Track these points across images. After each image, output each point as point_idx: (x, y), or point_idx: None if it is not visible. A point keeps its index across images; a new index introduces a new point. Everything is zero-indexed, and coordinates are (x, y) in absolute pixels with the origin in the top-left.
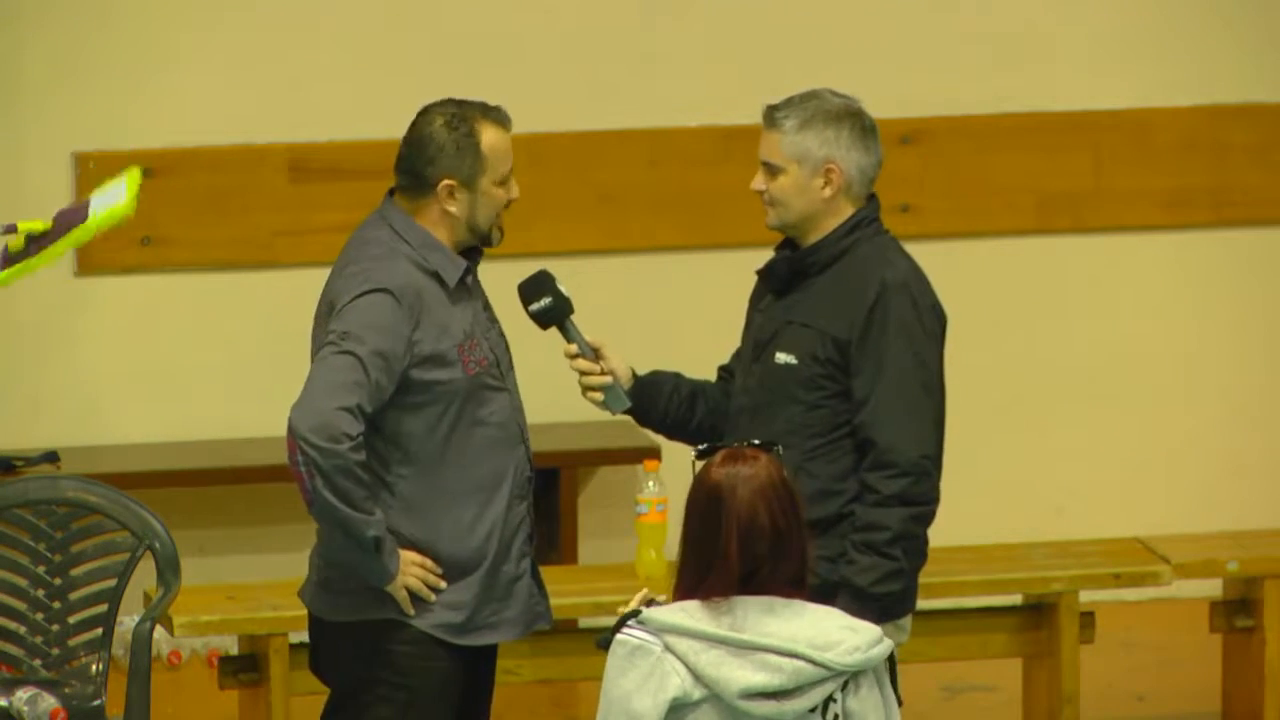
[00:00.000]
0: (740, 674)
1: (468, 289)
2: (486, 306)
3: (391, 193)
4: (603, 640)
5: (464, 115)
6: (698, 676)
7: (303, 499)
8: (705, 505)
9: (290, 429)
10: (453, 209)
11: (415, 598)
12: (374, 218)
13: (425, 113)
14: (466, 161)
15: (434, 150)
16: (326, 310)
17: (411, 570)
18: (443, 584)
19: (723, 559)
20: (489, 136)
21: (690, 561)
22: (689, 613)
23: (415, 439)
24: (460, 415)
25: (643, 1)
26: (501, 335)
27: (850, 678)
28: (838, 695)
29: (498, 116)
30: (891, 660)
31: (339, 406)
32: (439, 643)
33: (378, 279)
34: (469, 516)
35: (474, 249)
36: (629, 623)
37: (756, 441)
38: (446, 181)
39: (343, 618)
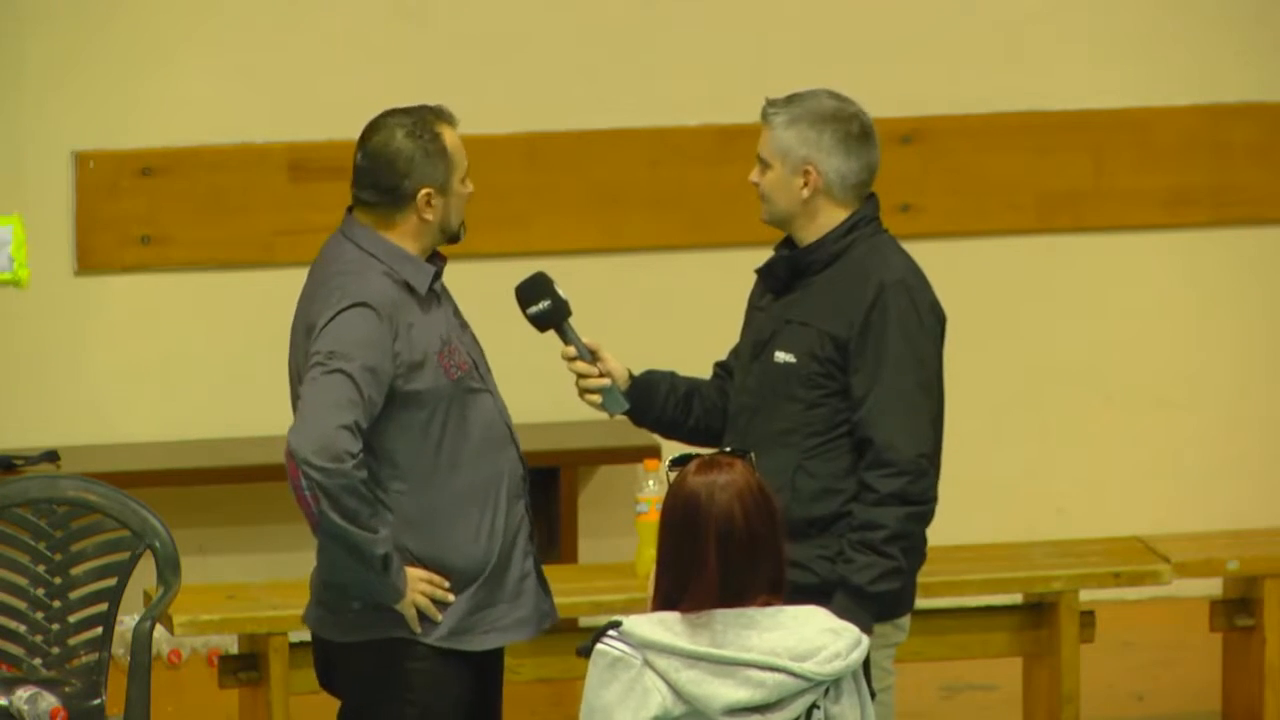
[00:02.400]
0: (722, 691)
1: (437, 295)
2: (456, 312)
3: (350, 209)
4: (583, 648)
5: (422, 122)
6: (679, 694)
7: (308, 523)
8: (682, 514)
9: (291, 453)
10: (430, 216)
11: (422, 614)
12: (335, 238)
13: (380, 127)
14: (439, 167)
15: (404, 162)
16: (304, 332)
17: (419, 586)
18: (450, 598)
19: (701, 566)
20: (449, 137)
21: (669, 570)
22: (668, 626)
23: (407, 451)
24: (449, 421)
25: (643, 1)
26: (474, 339)
27: (831, 684)
28: (820, 702)
29: (449, 116)
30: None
31: (339, 425)
32: (450, 656)
33: (354, 294)
34: (471, 522)
35: (436, 255)
36: (610, 633)
37: (729, 449)
38: (425, 190)
39: (350, 639)
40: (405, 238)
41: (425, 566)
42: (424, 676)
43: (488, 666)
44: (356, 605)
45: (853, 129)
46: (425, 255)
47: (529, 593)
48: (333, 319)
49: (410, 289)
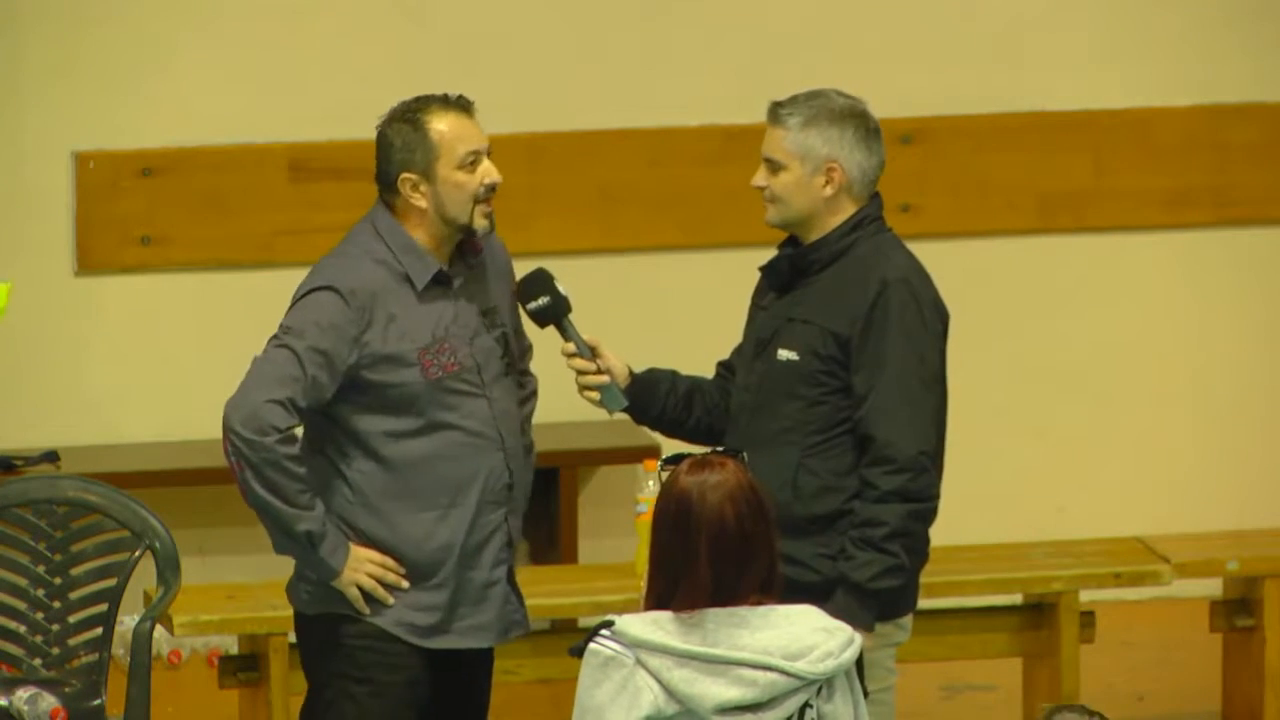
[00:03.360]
0: (714, 690)
1: (449, 291)
2: (486, 311)
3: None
4: (575, 648)
5: (415, 108)
6: (671, 693)
7: (240, 491)
8: (675, 514)
9: (223, 420)
10: (419, 203)
11: (371, 596)
12: (363, 219)
13: (386, 115)
14: (418, 152)
15: (386, 148)
16: None
17: (366, 568)
18: (404, 584)
19: (693, 566)
20: (440, 123)
21: (661, 569)
22: (660, 626)
23: (372, 437)
24: (420, 418)
25: (643, 1)
26: (499, 340)
27: (824, 683)
28: (813, 701)
29: (455, 104)
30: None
31: (269, 399)
32: (402, 641)
33: (328, 277)
34: (430, 519)
35: (470, 251)
36: (602, 632)
37: (721, 449)
38: (405, 176)
39: (308, 610)
40: (415, 228)
41: (376, 550)
42: (373, 654)
43: (459, 668)
44: (313, 576)
45: (869, 125)
46: (440, 247)
47: (494, 601)
48: (301, 297)
49: (409, 281)
